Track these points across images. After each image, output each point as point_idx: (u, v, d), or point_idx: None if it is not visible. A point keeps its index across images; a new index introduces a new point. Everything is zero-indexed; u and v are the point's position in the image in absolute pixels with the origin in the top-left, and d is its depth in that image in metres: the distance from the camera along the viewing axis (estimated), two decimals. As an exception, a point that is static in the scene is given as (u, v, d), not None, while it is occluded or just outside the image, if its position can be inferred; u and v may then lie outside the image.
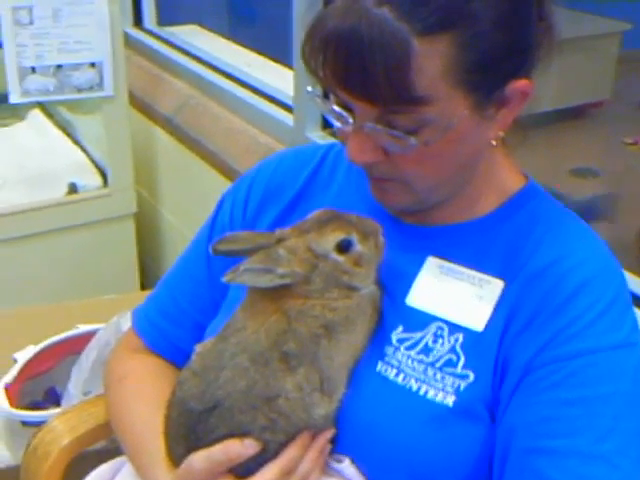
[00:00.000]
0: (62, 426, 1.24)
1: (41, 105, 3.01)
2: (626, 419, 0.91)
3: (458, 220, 1.05)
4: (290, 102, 2.13)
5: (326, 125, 2.03)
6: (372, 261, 1.01)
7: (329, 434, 0.99)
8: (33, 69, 2.28)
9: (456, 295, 1.01)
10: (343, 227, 0.99)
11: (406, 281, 1.04)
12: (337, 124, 0.97)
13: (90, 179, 2.58)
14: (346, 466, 0.99)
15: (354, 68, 0.86)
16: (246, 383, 0.95)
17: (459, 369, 0.97)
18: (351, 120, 0.94)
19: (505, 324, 0.97)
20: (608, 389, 0.91)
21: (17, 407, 1.62)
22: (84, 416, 1.25)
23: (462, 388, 0.96)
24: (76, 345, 1.69)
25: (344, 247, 0.98)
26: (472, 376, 0.96)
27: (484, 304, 0.99)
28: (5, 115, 3.07)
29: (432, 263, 1.04)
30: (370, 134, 0.93)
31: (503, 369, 0.96)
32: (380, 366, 1.00)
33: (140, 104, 2.70)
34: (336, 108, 0.95)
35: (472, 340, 0.98)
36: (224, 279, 0.95)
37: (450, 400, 0.95)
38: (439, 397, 0.96)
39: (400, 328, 1.01)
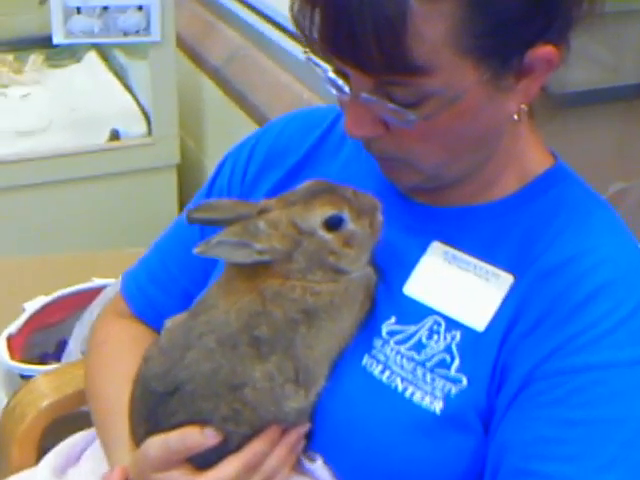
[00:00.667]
0: (43, 387, 1.18)
1: (97, 48, 2.96)
2: (636, 448, 0.79)
3: (472, 202, 0.94)
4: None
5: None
6: (365, 242, 0.90)
7: (302, 430, 0.90)
8: (78, 10, 2.20)
9: (459, 287, 0.90)
10: (334, 201, 0.89)
11: (406, 267, 0.93)
12: (334, 92, 0.87)
13: (135, 126, 2.51)
14: (318, 466, 0.90)
15: (342, 30, 0.76)
16: (211, 367, 0.87)
17: (452, 372, 0.86)
18: (347, 89, 0.83)
19: (509, 325, 0.86)
20: (619, 412, 0.80)
21: (23, 358, 1.57)
22: (67, 378, 1.18)
23: (453, 394, 0.85)
24: (88, 299, 1.63)
25: (333, 224, 0.88)
26: (465, 381, 0.86)
27: (489, 301, 0.88)
28: (63, 56, 3.04)
29: (436, 249, 0.93)
30: (367, 106, 0.83)
31: (502, 376, 0.85)
32: (366, 360, 0.90)
33: (190, 52, 2.62)
34: (331, 75, 0.84)
35: (470, 340, 0.87)
36: (195, 251, 0.86)
37: (437, 406, 0.85)
38: (426, 401, 0.86)
39: (393, 319, 0.91)
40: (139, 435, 0.91)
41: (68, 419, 1.20)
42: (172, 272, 1.10)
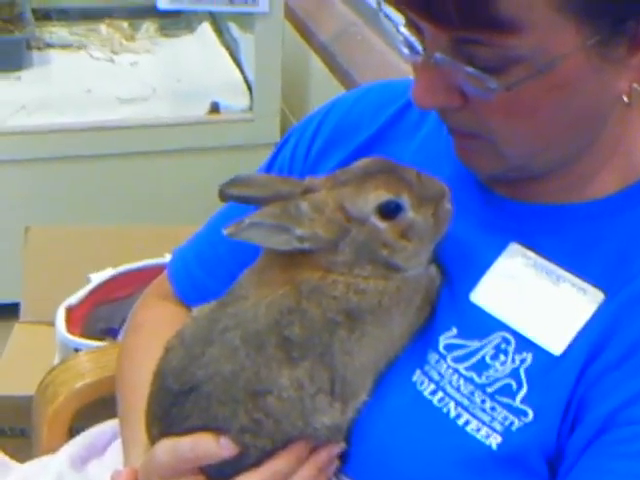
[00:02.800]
0: (80, 367, 1.09)
1: (212, 20, 2.90)
2: None
3: (562, 200, 0.78)
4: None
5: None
6: (426, 235, 0.76)
7: (336, 449, 0.77)
8: (185, -25, 2.13)
9: (537, 300, 0.75)
10: (392, 185, 0.75)
11: (477, 269, 0.79)
12: (406, 52, 0.73)
13: (237, 101, 2.42)
14: None
15: None
16: (232, 368, 0.75)
17: (517, 401, 0.72)
18: (421, 48, 0.70)
19: (592, 352, 0.71)
20: None
21: (85, 331, 1.50)
22: (107, 359, 1.09)
23: (514, 428, 0.71)
24: (158, 275, 1.54)
25: (389, 211, 0.74)
26: (532, 414, 0.71)
27: (571, 320, 0.72)
28: (177, 27, 3.00)
29: (515, 251, 0.78)
30: (442, 69, 0.69)
31: (577, 414, 0.70)
32: (417, 376, 0.76)
33: (299, 25, 2.51)
34: (404, 31, 0.71)
35: (543, 365, 0.72)
36: (224, 232, 0.74)
37: (495, 441, 0.71)
38: (482, 433, 0.71)
39: (454, 330, 0.77)
40: (153, 436, 0.81)
41: (107, 403, 1.10)
42: (220, 253, 0.98)
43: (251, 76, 2.48)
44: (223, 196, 0.79)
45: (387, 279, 0.75)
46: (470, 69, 0.67)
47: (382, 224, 0.74)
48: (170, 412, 0.77)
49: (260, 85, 2.34)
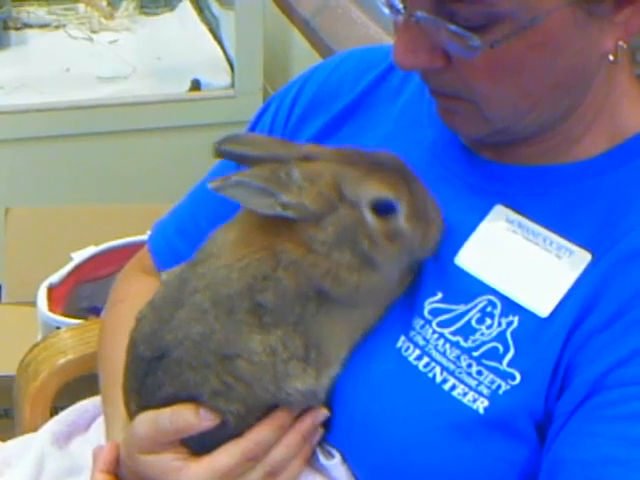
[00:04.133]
0: (61, 344, 1.07)
1: (192, -3, 2.87)
2: None
3: (548, 162, 0.77)
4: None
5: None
6: (409, 249, 0.74)
7: (320, 416, 0.75)
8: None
9: (523, 262, 0.74)
10: (396, 186, 0.73)
11: (461, 233, 0.78)
12: (387, 11, 0.72)
13: (218, 78, 2.39)
14: (335, 464, 0.75)
15: None
16: (201, 331, 0.73)
17: (504, 365, 0.71)
18: (401, 7, 0.68)
19: (580, 314, 0.69)
20: None
21: (68, 310, 1.48)
22: (88, 336, 1.07)
23: (501, 391, 0.70)
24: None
25: (383, 209, 0.72)
26: (519, 377, 0.70)
27: (558, 281, 0.71)
28: (157, 4, 2.96)
29: (500, 213, 0.76)
30: (425, 29, 0.67)
31: (565, 376, 0.69)
32: (402, 342, 0.75)
33: (280, 1, 2.47)
34: None
35: (530, 328, 0.71)
36: (209, 185, 0.72)
37: (482, 405, 0.70)
38: (468, 397, 0.70)
39: (439, 295, 0.75)
40: (131, 411, 0.79)
41: (90, 378, 1.08)
42: (201, 225, 0.96)
43: (232, 53, 2.45)
44: (218, 152, 0.77)
45: (363, 273, 0.73)
46: (453, 27, 0.65)
47: (372, 218, 0.72)
48: (145, 382, 0.76)
49: (241, 62, 2.31)
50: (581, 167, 0.75)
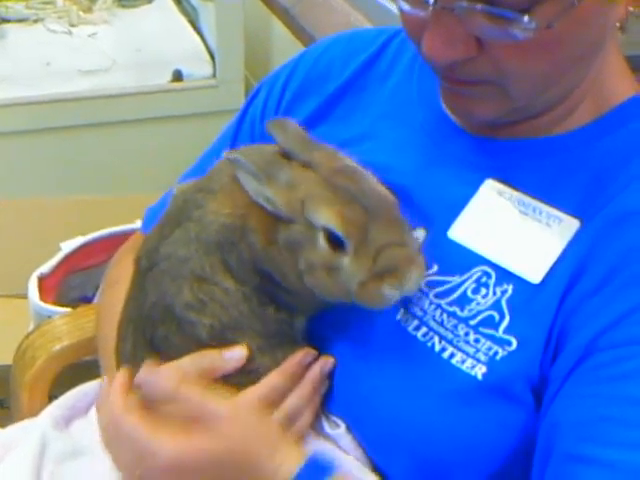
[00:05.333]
0: (56, 330, 1.08)
1: (170, -12, 2.86)
2: None
3: (536, 134, 0.78)
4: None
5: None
6: (347, 288, 0.73)
7: (328, 364, 0.78)
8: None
9: (514, 232, 0.76)
10: (355, 226, 0.71)
11: (454, 208, 0.79)
12: (407, 7, 0.70)
13: (200, 68, 2.40)
14: (342, 434, 0.77)
15: None
16: (185, 254, 0.78)
17: (500, 332, 0.72)
18: (432, 0, 0.67)
19: (570, 280, 0.71)
20: None
21: (59, 300, 1.49)
22: (83, 322, 1.08)
23: (499, 357, 0.72)
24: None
25: (334, 240, 0.72)
26: (515, 343, 0.72)
27: (548, 248, 0.73)
28: (137, -4, 2.96)
29: (490, 187, 0.78)
30: (460, 18, 0.66)
31: (559, 341, 0.71)
32: (401, 314, 0.76)
33: (260, -11, 2.48)
34: None
35: (523, 295, 0.73)
36: (225, 154, 0.76)
37: (480, 371, 0.72)
38: (467, 364, 0.72)
39: (435, 268, 0.77)
40: (125, 346, 0.84)
41: (85, 366, 1.09)
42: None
43: (213, 43, 2.45)
44: (266, 128, 0.79)
45: (302, 282, 0.75)
46: (503, 11, 0.64)
47: (322, 244, 0.72)
48: (138, 297, 0.82)
49: (222, 51, 2.32)
50: (569, 138, 0.77)
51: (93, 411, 0.99)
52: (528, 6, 0.64)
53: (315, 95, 0.93)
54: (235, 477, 0.73)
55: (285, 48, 2.40)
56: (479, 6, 0.64)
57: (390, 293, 0.71)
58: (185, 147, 2.37)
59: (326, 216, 0.71)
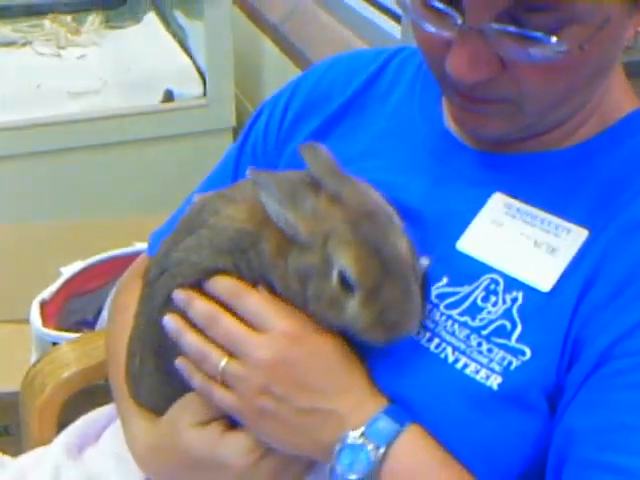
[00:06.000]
0: (65, 357, 1.08)
1: (157, 9, 2.87)
2: None
3: (543, 149, 0.79)
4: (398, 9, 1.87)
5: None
6: (344, 327, 0.75)
7: None
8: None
9: (522, 243, 0.77)
10: (368, 275, 0.72)
11: (462, 222, 0.80)
12: (432, 28, 0.71)
13: (190, 87, 2.41)
14: None
15: None
16: (196, 260, 0.79)
17: (513, 341, 0.73)
18: (460, 20, 0.68)
19: (583, 289, 0.72)
20: None
21: (60, 325, 1.48)
22: (91, 348, 1.08)
23: (513, 367, 0.72)
24: (129, 264, 1.53)
25: (347, 282, 0.73)
26: (529, 353, 0.72)
27: (557, 258, 0.74)
28: (123, 18, 2.97)
29: (498, 201, 0.79)
30: (486, 39, 0.68)
31: (574, 349, 0.72)
32: None
33: (248, 8, 2.50)
34: (438, 3, 0.69)
35: (534, 303, 0.73)
36: (250, 170, 0.76)
37: (495, 382, 0.72)
38: (481, 375, 0.73)
39: (444, 280, 0.78)
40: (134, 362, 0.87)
41: (92, 392, 1.09)
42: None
43: (202, 63, 2.47)
44: (300, 150, 0.79)
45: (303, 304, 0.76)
46: (534, 34, 0.65)
47: (335, 280, 0.73)
48: (145, 307, 0.84)
49: (213, 70, 2.34)
50: (574, 151, 0.78)
51: (103, 438, 0.99)
52: (557, 28, 0.65)
53: (317, 115, 0.94)
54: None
55: (275, 65, 2.42)
56: (510, 28, 0.66)
57: (390, 339, 0.73)
58: (178, 167, 2.38)
59: (346, 260, 0.72)
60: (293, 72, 2.25)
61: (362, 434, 0.72)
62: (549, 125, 0.77)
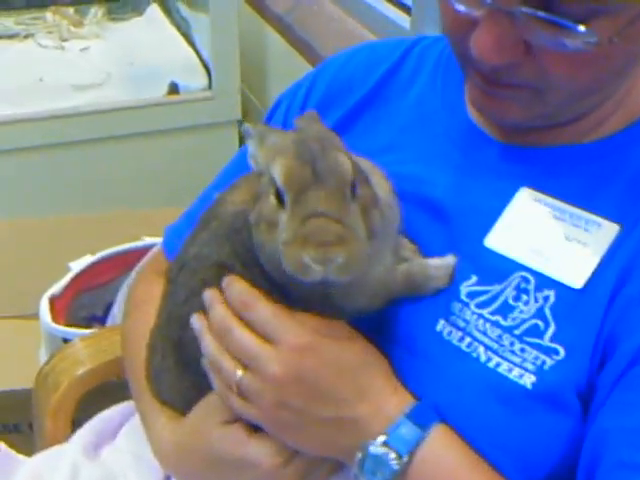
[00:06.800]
0: (78, 353, 1.06)
1: (160, 1, 2.85)
2: None
3: (570, 142, 0.77)
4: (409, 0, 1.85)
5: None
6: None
7: None
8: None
9: (551, 239, 0.75)
10: (303, 182, 0.67)
11: (489, 218, 0.78)
12: (461, 7, 0.70)
13: (195, 80, 2.38)
14: None
15: None
16: (208, 252, 0.79)
17: (546, 340, 0.71)
18: (489, 0, 0.66)
19: (616, 285, 0.71)
20: None
21: (69, 320, 1.47)
22: (105, 344, 1.06)
23: (547, 366, 0.71)
24: (138, 258, 1.51)
25: (280, 196, 0.69)
26: (563, 352, 0.71)
27: (588, 253, 0.72)
28: (125, 10, 2.95)
29: (526, 195, 0.77)
30: (515, 22, 0.66)
31: (606, 347, 0.70)
32: (442, 325, 0.76)
33: (254, 0, 2.47)
34: None
35: (567, 301, 0.72)
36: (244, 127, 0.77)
37: (529, 380, 0.71)
38: (514, 373, 0.71)
39: (473, 278, 0.76)
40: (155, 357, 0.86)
41: (106, 389, 1.08)
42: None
43: (206, 55, 2.45)
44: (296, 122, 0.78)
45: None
46: (564, 21, 0.64)
47: (272, 197, 0.68)
48: (168, 303, 0.84)
49: (218, 63, 2.31)
50: (602, 145, 0.77)
51: (119, 436, 0.98)
52: (586, 17, 0.64)
53: (338, 107, 0.92)
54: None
55: (281, 57, 2.40)
56: (540, 13, 0.64)
57: (310, 264, 0.64)
58: (183, 160, 2.37)
59: (276, 168, 0.68)
60: (299, 64, 2.22)
61: (384, 443, 0.71)
62: (571, 116, 0.76)
